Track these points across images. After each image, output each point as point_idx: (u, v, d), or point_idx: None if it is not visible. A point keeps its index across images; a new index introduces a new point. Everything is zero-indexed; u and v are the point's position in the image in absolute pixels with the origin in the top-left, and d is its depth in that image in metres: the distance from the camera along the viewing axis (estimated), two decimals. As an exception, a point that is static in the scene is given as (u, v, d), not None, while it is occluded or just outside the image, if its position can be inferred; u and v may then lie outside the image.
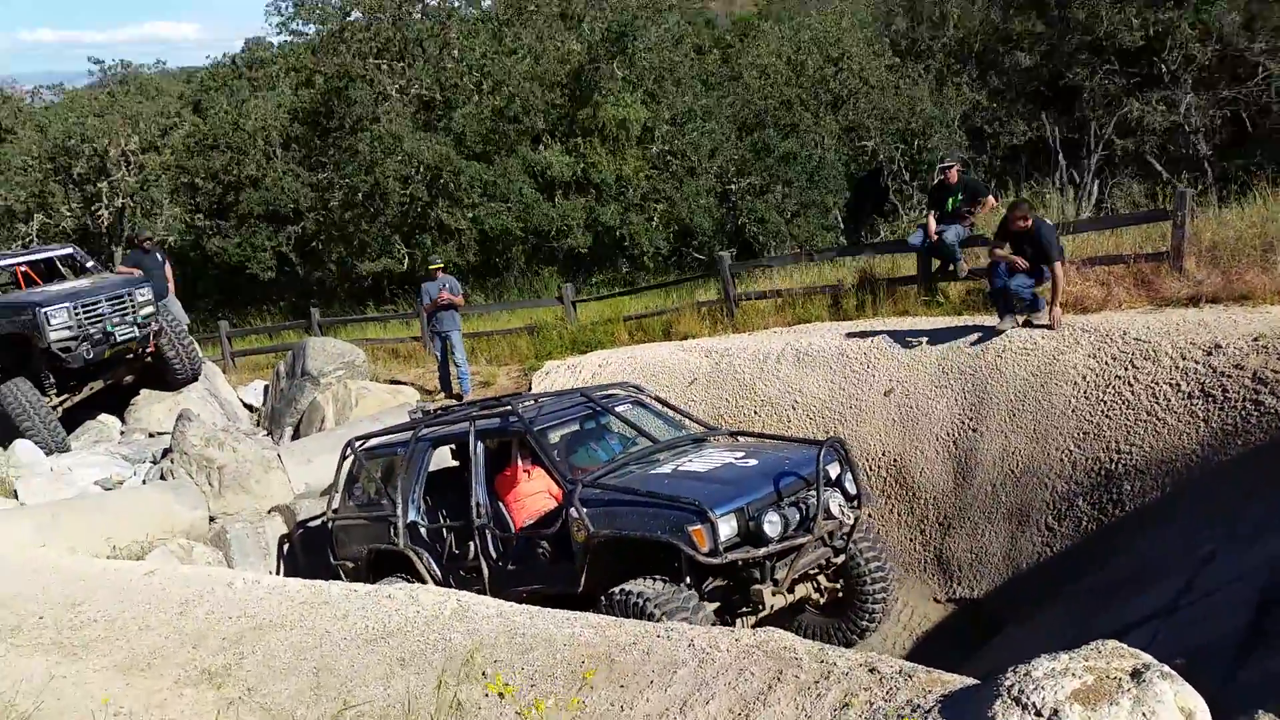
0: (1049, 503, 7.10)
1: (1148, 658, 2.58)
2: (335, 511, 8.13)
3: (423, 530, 7.37)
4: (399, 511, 7.34)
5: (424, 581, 7.07)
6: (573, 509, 6.21)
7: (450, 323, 11.55)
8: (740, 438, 7.56)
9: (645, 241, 18.58)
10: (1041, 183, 13.94)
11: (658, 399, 7.93)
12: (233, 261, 20.57)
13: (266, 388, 13.39)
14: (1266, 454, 6.00)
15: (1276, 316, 7.00)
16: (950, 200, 9.63)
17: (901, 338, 8.70)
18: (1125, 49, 16.35)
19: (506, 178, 18.78)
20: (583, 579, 6.24)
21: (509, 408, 7.25)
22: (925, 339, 8.54)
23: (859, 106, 19.53)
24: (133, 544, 8.43)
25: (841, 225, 18.96)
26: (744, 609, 6.25)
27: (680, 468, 6.48)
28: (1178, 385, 6.77)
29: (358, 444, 8.10)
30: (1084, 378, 7.29)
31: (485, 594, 6.69)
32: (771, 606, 6.23)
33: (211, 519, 9.32)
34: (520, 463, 7.12)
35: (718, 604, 6.14)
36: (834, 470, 6.39)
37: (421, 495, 7.48)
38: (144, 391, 12.57)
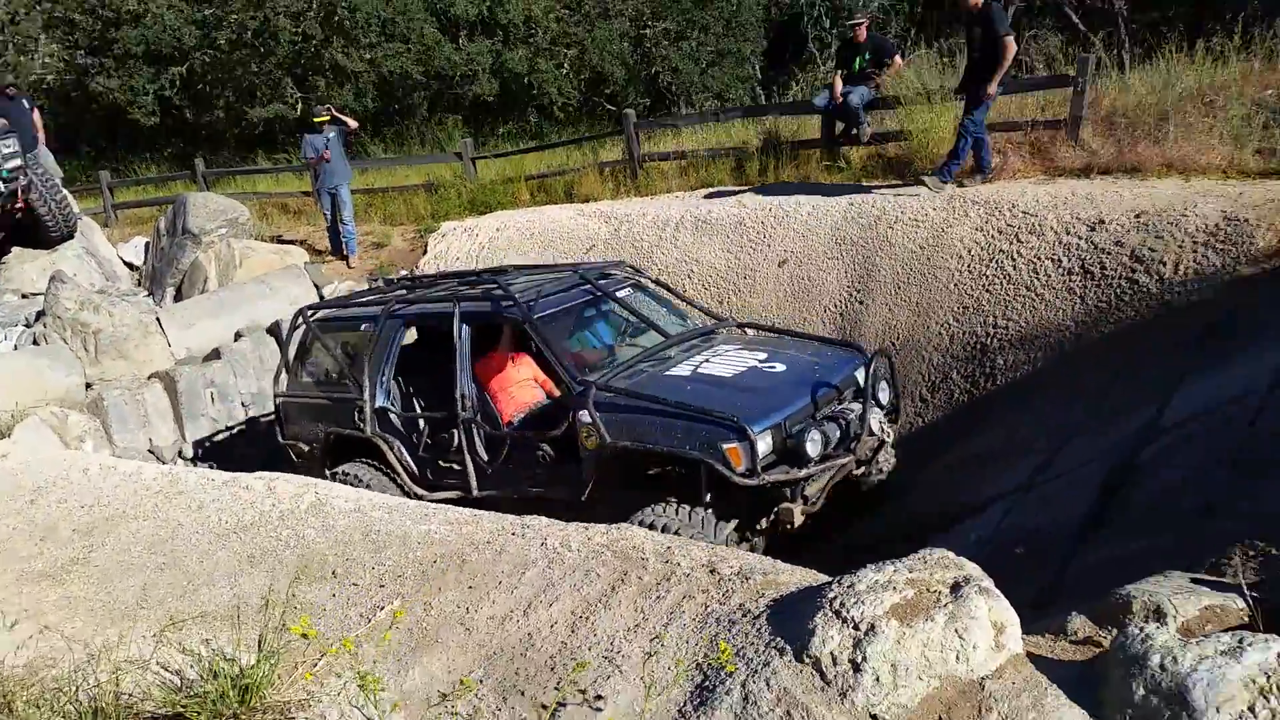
0: (924, 374, 7.21)
1: (971, 568, 2.62)
2: (286, 386, 7.37)
3: (394, 417, 6.67)
4: (365, 395, 6.61)
5: (394, 470, 6.55)
6: (584, 413, 5.48)
7: (339, 177, 10.97)
8: (748, 330, 6.85)
9: (554, 90, 17.80)
10: (956, 33, 13.55)
11: (657, 282, 7.18)
12: (118, 104, 19.07)
13: (148, 244, 12.69)
14: (1137, 333, 6.13)
15: (1161, 192, 7.03)
16: (857, 60, 9.30)
17: (799, 205, 8.57)
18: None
19: (407, 16, 17.59)
20: (589, 488, 5.57)
21: (503, 291, 6.28)
22: (822, 207, 8.43)
23: (780, -55, 18.66)
24: (2, 413, 8.04)
25: (759, 75, 18.36)
26: (763, 523, 5.49)
27: (699, 370, 5.75)
28: (1059, 260, 6.82)
29: (310, 314, 7.30)
30: (969, 251, 7.30)
31: (469, 492, 6.15)
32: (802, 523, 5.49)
33: (88, 386, 8.95)
34: (507, 348, 6.44)
35: (736, 521, 5.37)
36: (860, 377, 5.79)
37: (392, 378, 6.75)
38: (15, 250, 11.80)
